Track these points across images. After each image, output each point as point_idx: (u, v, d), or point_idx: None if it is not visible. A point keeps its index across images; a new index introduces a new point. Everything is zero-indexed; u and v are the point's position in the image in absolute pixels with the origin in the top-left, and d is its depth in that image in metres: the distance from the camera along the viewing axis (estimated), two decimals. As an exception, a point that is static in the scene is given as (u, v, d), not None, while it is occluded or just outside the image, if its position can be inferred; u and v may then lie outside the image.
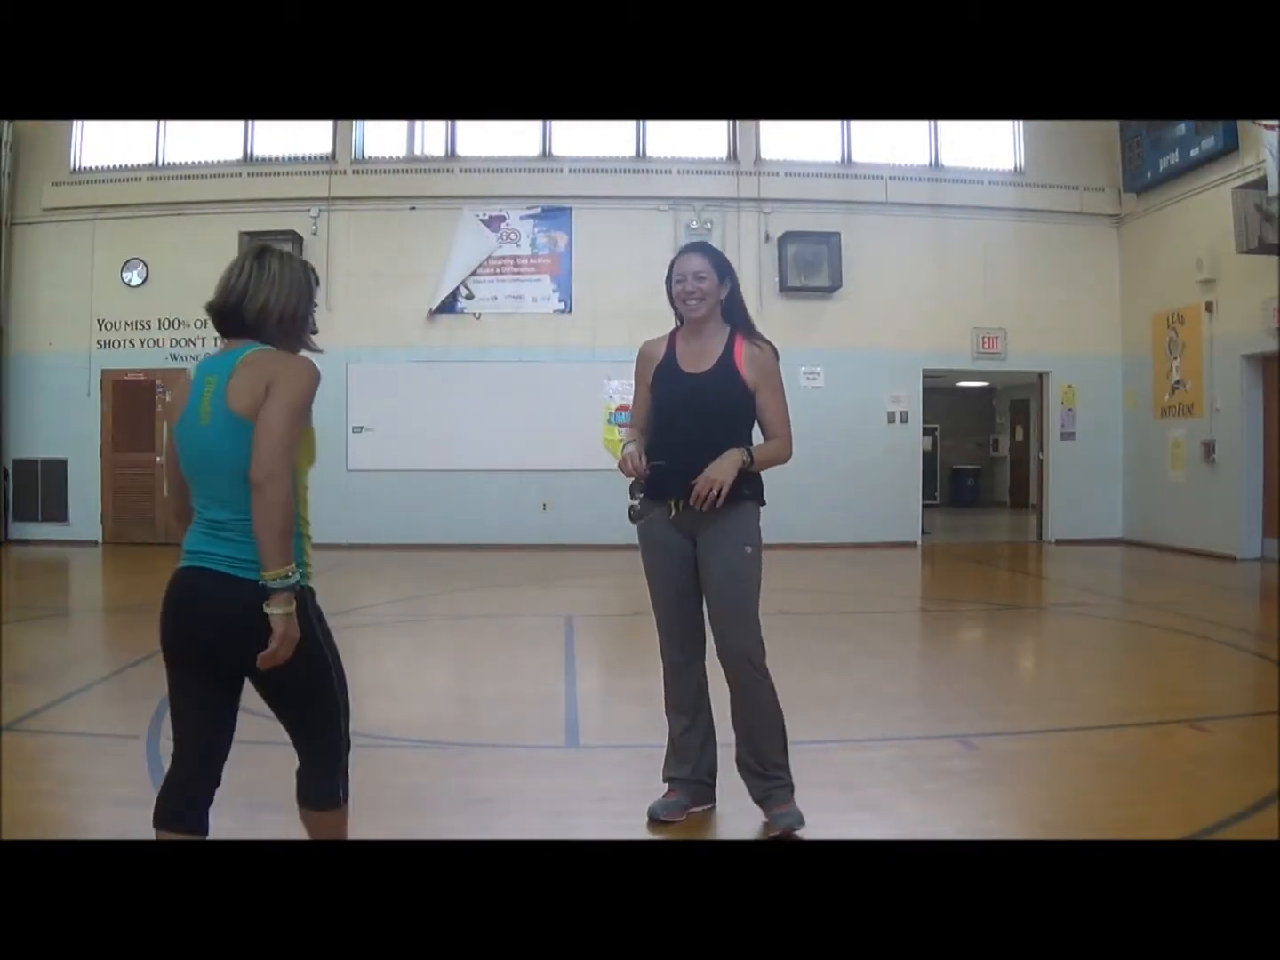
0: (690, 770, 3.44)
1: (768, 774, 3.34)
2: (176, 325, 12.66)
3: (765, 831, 3.28)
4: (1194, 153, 11.49)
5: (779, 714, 3.36)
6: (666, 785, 3.46)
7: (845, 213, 12.69)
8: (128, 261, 12.69)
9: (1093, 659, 6.53)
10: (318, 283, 2.55)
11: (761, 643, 3.33)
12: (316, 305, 2.53)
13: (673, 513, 3.31)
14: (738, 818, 3.45)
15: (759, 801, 3.37)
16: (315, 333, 2.54)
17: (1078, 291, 13.12)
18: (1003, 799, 3.71)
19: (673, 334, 3.49)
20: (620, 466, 3.35)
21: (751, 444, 3.34)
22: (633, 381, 3.56)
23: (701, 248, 3.49)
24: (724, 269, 3.42)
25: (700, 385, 3.33)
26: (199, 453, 2.35)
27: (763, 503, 3.39)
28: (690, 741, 3.44)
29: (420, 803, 3.51)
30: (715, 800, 3.49)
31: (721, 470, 3.17)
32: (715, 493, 3.14)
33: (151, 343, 12.70)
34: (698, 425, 3.29)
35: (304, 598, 2.31)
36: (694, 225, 12.68)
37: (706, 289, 3.35)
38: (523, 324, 12.76)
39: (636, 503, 3.38)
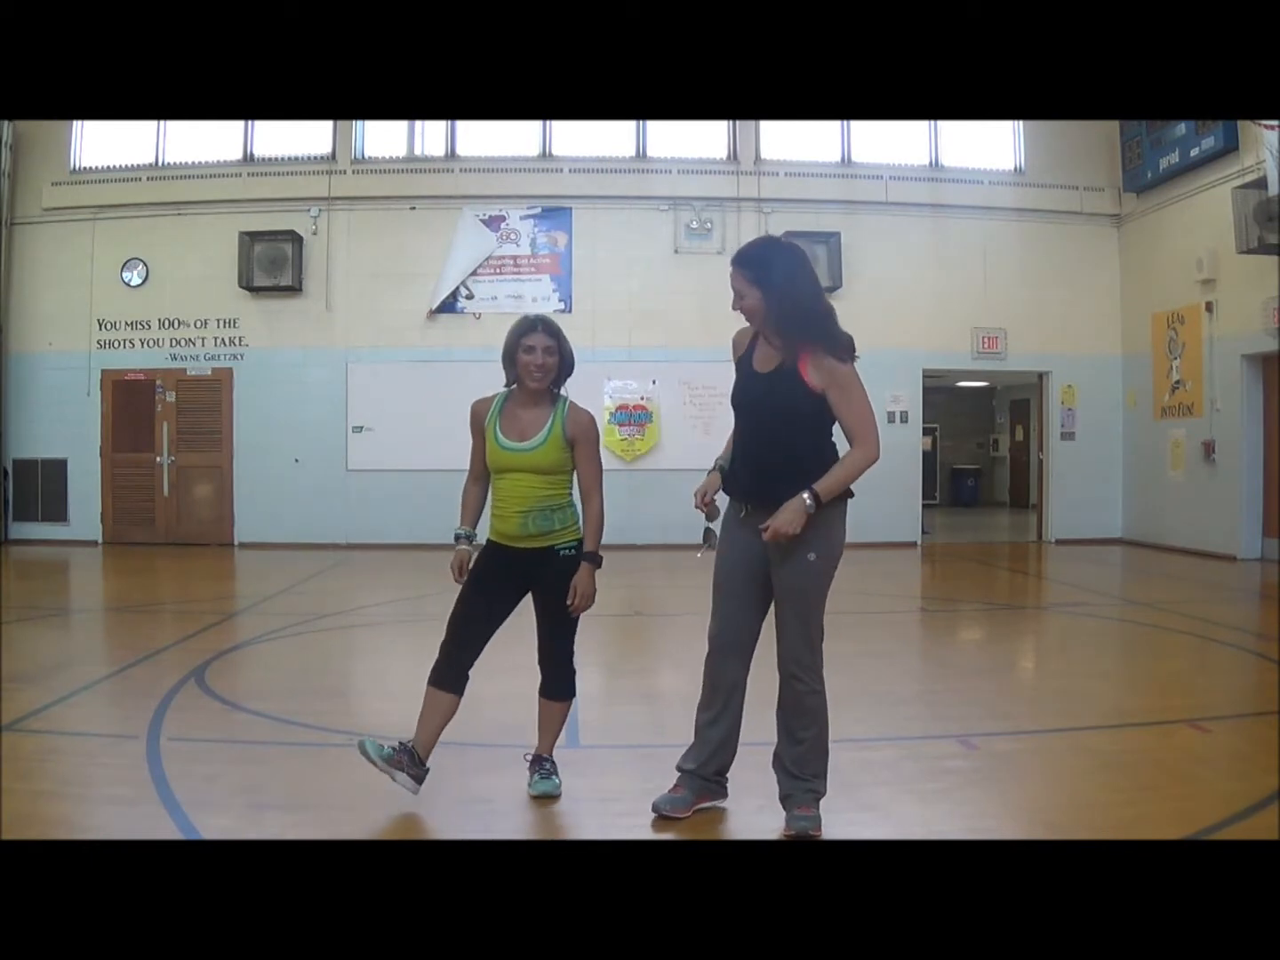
0: (699, 765, 3.41)
1: (801, 777, 3.31)
2: (176, 325, 12.67)
3: (782, 831, 3.26)
4: (1194, 153, 11.49)
5: (825, 725, 3.34)
6: (676, 777, 3.45)
7: (845, 213, 12.69)
8: (128, 261, 12.69)
9: (1093, 659, 6.52)
10: (520, 335, 3.80)
11: (819, 654, 3.31)
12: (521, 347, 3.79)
13: (742, 513, 3.34)
14: (741, 817, 3.44)
15: (783, 799, 3.34)
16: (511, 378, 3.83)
17: (1078, 291, 13.13)
18: (1003, 799, 3.71)
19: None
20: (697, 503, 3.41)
21: (823, 441, 3.33)
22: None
23: (738, 260, 3.30)
24: (763, 280, 3.22)
25: (764, 385, 3.32)
26: None
27: (849, 495, 3.36)
28: (710, 736, 3.41)
29: (420, 803, 3.51)
30: (727, 795, 3.48)
31: (782, 523, 3.12)
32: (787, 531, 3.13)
33: (151, 343, 12.70)
34: (761, 425, 3.31)
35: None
36: (694, 225, 12.69)
37: (749, 308, 3.29)
38: (522, 324, 12.72)
39: (705, 539, 3.43)
